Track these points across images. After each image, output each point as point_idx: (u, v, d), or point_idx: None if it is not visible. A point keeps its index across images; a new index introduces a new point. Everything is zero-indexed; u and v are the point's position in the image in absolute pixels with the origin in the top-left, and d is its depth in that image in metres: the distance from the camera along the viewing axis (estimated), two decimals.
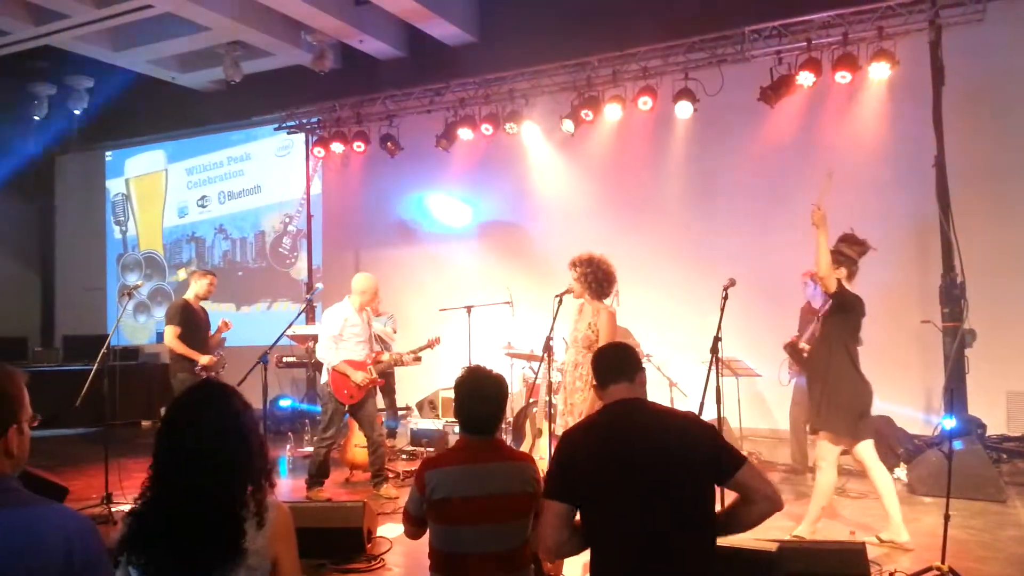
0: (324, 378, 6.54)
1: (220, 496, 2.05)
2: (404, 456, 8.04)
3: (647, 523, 2.38)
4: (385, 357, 6.76)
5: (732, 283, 4.90)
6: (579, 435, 2.65)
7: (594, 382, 2.78)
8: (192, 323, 6.78)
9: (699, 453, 2.47)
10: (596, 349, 2.87)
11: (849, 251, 4.97)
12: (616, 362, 2.73)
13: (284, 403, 9.77)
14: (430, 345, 6.89)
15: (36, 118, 12.09)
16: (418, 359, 7.36)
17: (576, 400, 4.97)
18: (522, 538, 2.92)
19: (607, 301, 5.21)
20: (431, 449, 7.69)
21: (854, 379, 4.84)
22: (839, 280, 4.85)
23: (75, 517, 1.84)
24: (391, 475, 6.86)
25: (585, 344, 4.93)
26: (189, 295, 6.93)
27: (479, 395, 2.97)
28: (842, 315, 4.90)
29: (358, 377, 6.33)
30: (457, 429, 7.82)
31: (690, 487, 2.43)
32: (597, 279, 5.15)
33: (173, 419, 2.17)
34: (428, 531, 2.92)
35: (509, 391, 3.22)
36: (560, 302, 5.29)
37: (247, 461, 2.12)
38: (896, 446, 6.78)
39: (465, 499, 2.81)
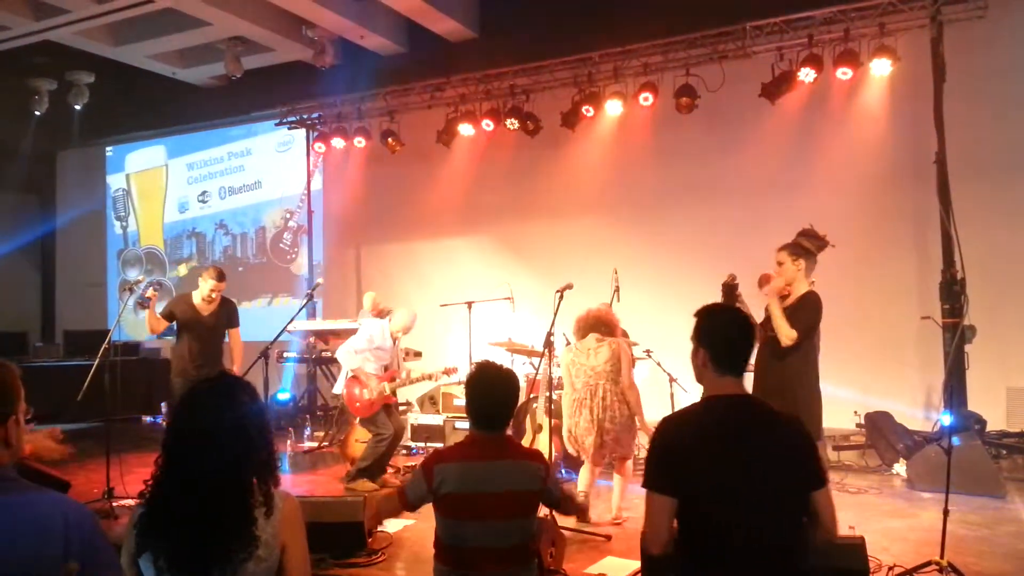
0: (339, 388, 6.57)
1: (229, 487, 2.06)
2: (404, 452, 8.05)
3: (745, 526, 2.27)
4: (401, 377, 6.71)
5: (732, 278, 4.89)
6: (683, 426, 2.44)
7: (705, 361, 2.46)
8: (186, 321, 6.44)
9: (802, 460, 2.37)
10: (712, 315, 2.55)
11: (808, 244, 4.94)
12: (745, 350, 2.49)
13: (283, 396, 9.79)
14: (446, 373, 6.80)
15: (36, 113, 12.08)
16: (418, 352, 7.34)
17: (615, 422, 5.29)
18: (527, 533, 2.94)
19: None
20: (435, 445, 7.70)
21: (817, 386, 4.82)
22: (806, 294, 4.80)
23: (73, 504, 1.87)
24: (389, 470, 6.84)
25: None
26: (196, 293, 6.59)
27: (490, 390, 2.99)
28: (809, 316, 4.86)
29: (372, 385, 6.37)
30: (458, 425, 7.87)
31: (792, 494, 2.34)
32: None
33: (185, 408, 2.17)
34: (435, 522, 2.95)
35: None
36: (561, 297, 5.32)
37: (255, 453, 2.13)
38: (896, 441, 6.79)
39: (473, 495, 2.83)
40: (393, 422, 6.49)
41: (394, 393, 6.65)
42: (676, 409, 4.47)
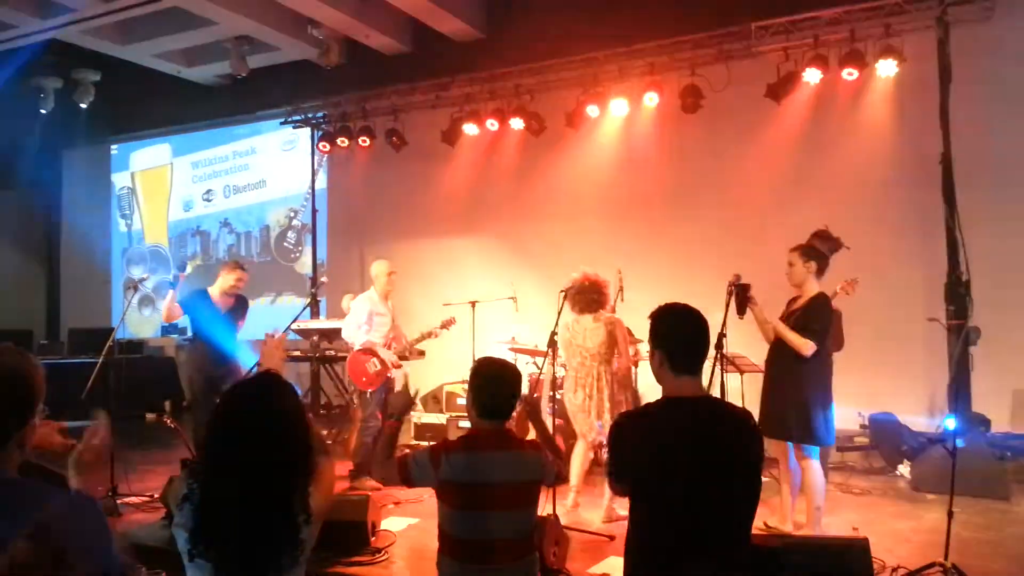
0: None
1: (271, 491, 2.04)
2: (407, 451, 8.05)
3: (691, 528, 2.31)
4: (395, 349, 6.69)
5: (737, 279, 4.87)
6: (637, 427, 2.50)
7: (661, 362, 2.48)
8: (204, 311, 6.22)
9: (754, 461, 2.42)
10: (666, 317, 2.54)
11: (820, 246, 4.94)
12: (701, 349, 2.49)
13: None
14: (444, 326, 6.79)
15: (42, 111, 12.11)
16: (421, 351, 7.34)
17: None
18: (529, 525, 2.96)
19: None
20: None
21: (828, 387, 4.84)
22: (816, 296, 4.80)
23: (75, 498, 1.87)
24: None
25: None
26: (214, 288, 6.37)
27: (496, 380, 3.03)
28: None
29: (383, 354, 6.42)
30: (462, 423, 7.86)
31: (743, 494, 2.37)
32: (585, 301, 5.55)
33: (228, 410, 2.15)
34: (438, 515, 2.96)
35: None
36: (564, 297, 5.32)
37: (299, 458, 2.11)
38: (900, 443, 6.78)
39: (478, 486, 2.86)
40: (394, 400, 6.41)
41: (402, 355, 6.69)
42: None
